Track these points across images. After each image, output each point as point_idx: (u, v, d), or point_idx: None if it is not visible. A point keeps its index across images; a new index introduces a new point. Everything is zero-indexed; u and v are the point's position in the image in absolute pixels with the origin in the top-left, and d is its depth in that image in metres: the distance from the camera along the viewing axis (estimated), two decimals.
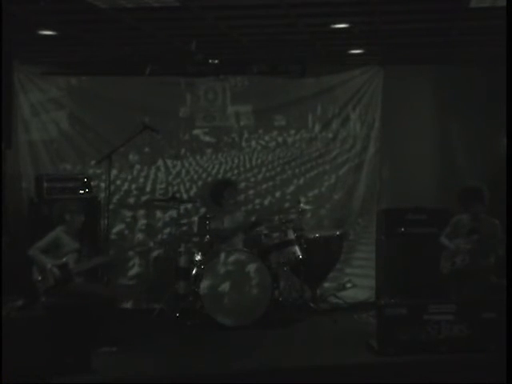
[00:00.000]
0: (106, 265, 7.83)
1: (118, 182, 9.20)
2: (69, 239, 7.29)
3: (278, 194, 9.40)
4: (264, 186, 9.42)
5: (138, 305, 9.01)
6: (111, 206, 8.46)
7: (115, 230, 9.06)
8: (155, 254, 9.16)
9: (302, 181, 9.41)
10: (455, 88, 9.29)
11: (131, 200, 9.28)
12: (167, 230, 9.10)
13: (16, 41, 7.79)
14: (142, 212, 9.25)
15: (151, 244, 9.12)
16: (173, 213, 8.91)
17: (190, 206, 9.24)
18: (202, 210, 9.14)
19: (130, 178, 9.28)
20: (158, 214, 9.23)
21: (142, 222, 9.25)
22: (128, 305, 8.95)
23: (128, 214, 9.23)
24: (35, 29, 7.19)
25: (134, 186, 9.30)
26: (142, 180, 9.31)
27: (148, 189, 9.31)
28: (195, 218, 9.15)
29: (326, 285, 9.00)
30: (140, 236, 9.12)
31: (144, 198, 9.25)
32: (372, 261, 9.24)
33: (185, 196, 9.26)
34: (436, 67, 9.39)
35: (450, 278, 7.42)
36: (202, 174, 9.38)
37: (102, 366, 6.45)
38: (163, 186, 9.32)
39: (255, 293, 7.94)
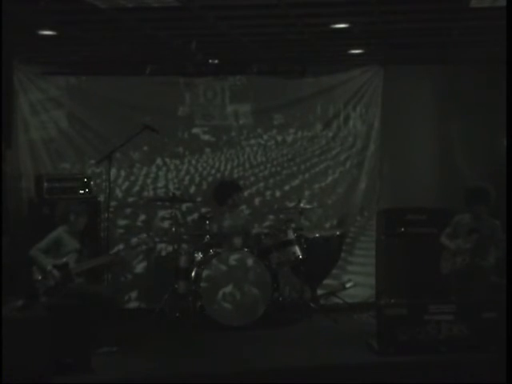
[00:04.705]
0: (106, 265, 7.83)
1: (118, 182, 9.20)
2: (70, 239, 7.29)
3: (277, 193, 9.40)
4: (263, 184, 9.42)
5: (138, 305, 9.01)
6: (111, 206, 8.45)
7: (115, 229, 9.05)
8: (155, 253, 9.16)
9: (301, 179, 9.41)
10: (455, 88, 9.29)
11: (131, 199, 9.28)
12: (167, 230, 9.09)
13: (16, 41, 7.79)
14: (141, 211, 9.24)
15: (151, 244, 9.11)
16: (173, 212, 8.89)
17: (190, 205, 9.23)
18: (203, 210, 9.14)
19: (129, 177, 9.28)
20: (158, 213, 9.22)
21: (142, 221, 9.24)
22: (128, 305, 8.96)
23: (128, 213, 9.23)
24: (35, 29, 7.18)
25: (133, 186, 9.29)
26: (141, 179, 9.30)
27: (147, 188, 9.31)
28: (195, 218, 9.15)
29: (326, 285, 9.00)
30: (140, 236, 9.10)
31: (144, 198, 9.25)
32: (372, 261, 9.25)
33: (184, 195, 9.25)
34: (436, 67, 9.39)
35: (450, 277, 7.43)
36: (202, 173, 9.37)
37: (102, 366, 6.45)
38: (162, 185, 9.31)
39: (255, 293, 7.94)
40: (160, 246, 9.16)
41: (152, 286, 8.98)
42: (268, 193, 9.44)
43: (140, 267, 9.17)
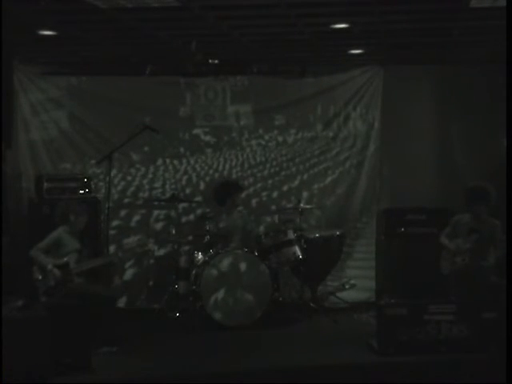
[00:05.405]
0: (106, 265, 7.83)
1: (118, 182, 9.20)
2: (70, 239, 7.29)
3: (278, 193, 9.40)
4: (264, 184, 9.42)
5: (138, 305, 9.01)
6: (111, 206, 8.45)
7: (115, 230, 9.05)
8: (155, 253, 9.16)
9: (302, 179, 9.41)
10: (455, 88, 9.29)
11: (131, 200, 9.28)
12: (167, 230, 9.09)
13: (16, 41, 7.79)
14: (141, 212, 9.24)
15: (151, 244, 9.11)
16: (173, 212, 8.91)
17: (190, 205, 9.23)
18: (205, 210, 9.13)
19: (129, 177, 9.28)
20: (158, 213, 9.23)
21: (142, 221, 9.24)
22: (128, 305, 8.95)
23: (128, 213, 9.23)
24: (35, 29, 7.19)
25: (133, 186, 9.30)
26: (141, 180, 9.31)
27: (147, 188, 9.31)
28: (195, 218, 9.15)
29: (326, 285, 9.00)
30: (140, 236, 9.10)
31: (144, 198, 9.25)
32: (372, 261, 9.25)
33: (184, 195, 9.25)
34: (436, 67, 9.40)
35: (449, 278, 7.42)
36: (202, 173, 9.38)
37: (102, 365, 6.45)
38: (163, 185, 9.31)
39: (255, 293, 7.94)
40: (160, 246, 9.16)
41: (152, 286, 8.98)
42: (268, 193, 9.43)
43: (140, 267, 9.16)
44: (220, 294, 7.89)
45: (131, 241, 9.02)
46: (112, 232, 8.87)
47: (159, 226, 9.23)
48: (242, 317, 7.89)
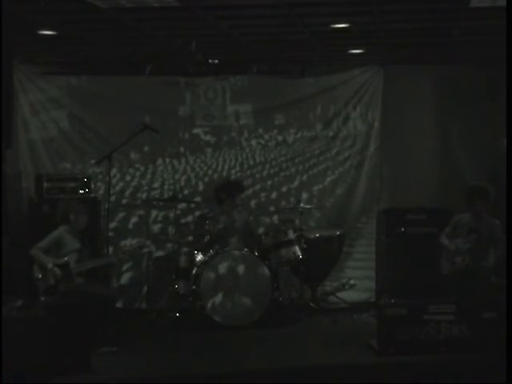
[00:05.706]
0: (107, 265, 7.83)
1: (118, 182, 9.20)
2: (70, 239, 7.29)
3: (280, 192, 9.40)
4: (264, 184, 9.42)
5: (138, 305, 9.01)
6: (111, 206, 8.45)
7: (115, 229, 9.05)
8: (155, 254, 9.15)
9: (302, 179, 9.41)
10: (455, 88, 9.29)
11: (131, 200, 9.27)
12: (167, 230, 9.09)
13: (16, 41, 7.79)
14: (141, 212, 9.24)
15: (151, 244, 9.11)
16: (173, 212, 8.90)
17: (190, 205, 9.23)
18: (202, 211, 9.13)
19: (129, 177, 9.29)
20: (158, 213, 9.22)
21: (142, 221, 9.24)
22: (127, 305, 8.95)
23: (128, 213, 9.23)
24: (35, 29, 7.19)
25: (133, 186, 9.29)
26: (141, 180, 9.31)
27: (148, 188, 9.31)
28: (196, 218, 9.15)
29: (326, 285, 9.00)
30: (140, 236, 9.10)
31: (144, 198, 9.25)
32: (372, 261, 9.25)
33: (184, 195, 9.25)
34: (436, 67, 9.40)
35: (449, 278, 7.43)
36: (202, 173, 9.37)
37: (102, 366, 6.45)
38: (163, 185, 9.32)
39: (255, 293, 7.93)
40: (159, 246, 9.16)
41: (152, 286, 8.97)
42: (270, 193, 9.43)
43: (139, 268, 9.16)
44: (220, 294, 7.89)
45: (131, 241, 9.04)
46: (112, 232, 8.86)
47: (159, 226, 9.22)
48: (242, 317, 7.88)
